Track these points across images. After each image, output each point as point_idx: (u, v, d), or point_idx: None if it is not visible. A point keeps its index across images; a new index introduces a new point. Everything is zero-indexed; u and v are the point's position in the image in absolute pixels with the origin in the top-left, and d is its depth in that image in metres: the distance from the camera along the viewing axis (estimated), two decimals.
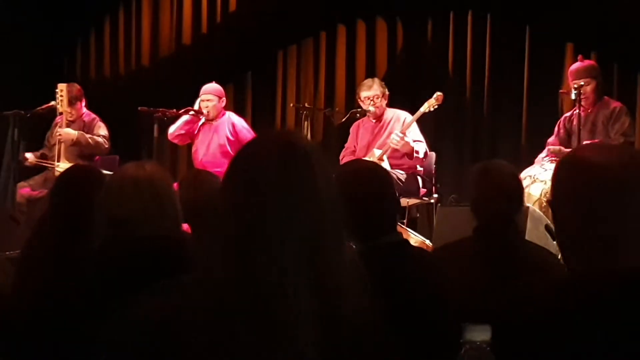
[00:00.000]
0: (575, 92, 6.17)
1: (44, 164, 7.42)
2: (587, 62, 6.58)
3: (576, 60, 6.70)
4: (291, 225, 1.60)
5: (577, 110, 6.21)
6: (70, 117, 7.44)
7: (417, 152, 6.84)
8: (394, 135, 6.81)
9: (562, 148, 6.46)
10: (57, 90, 7.21)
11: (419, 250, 2.96)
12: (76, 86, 7.59)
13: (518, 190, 3.29)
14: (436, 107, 6.93)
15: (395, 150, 6.91)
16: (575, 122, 6.40)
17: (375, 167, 3.03)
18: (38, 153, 7.56)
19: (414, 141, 6.90)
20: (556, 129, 6.71)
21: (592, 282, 1.68)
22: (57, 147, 7.26)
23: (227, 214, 1.67)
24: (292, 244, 1.59)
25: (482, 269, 3.02)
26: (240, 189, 1.67)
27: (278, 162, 1.64)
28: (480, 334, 1.51)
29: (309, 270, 1.58)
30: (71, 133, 7.33)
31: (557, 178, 1.83)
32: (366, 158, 6.86)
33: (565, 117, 6.73)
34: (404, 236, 2.87)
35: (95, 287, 2.65)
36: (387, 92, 7.16)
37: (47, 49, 9.19)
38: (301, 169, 1.65)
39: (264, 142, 1.74)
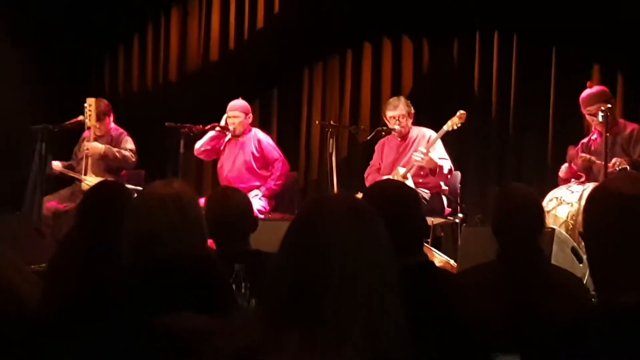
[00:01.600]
0: (603, 114, 6.14)
1: (70, 175, 7.45)
2: (597, 89, 6.55)
3: (598, 83, 6.70)
4: (355, 276, 1.70)
5: (604, 133, 6.16)
6: (98, 132, 7.46)
7: (441, 167, 6.86)
8: (417, 152, 6.83)
9: (593, 158, 6.41)
10: (85, 104, 7.26)
11: (444, 272, 2.96)
12: (104, 101, 7.62)
13: (539, 213, 3.29)
14: (459, 125, 6.94)
15: (419, 168, 6.92)
16: (594, 147, 6.41)
17: (404, 187, 3.01)
18: (65, 163, 7.60)
19: (439, 159, 6.93)
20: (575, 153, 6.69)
21: (623, 314, 1.67)
22: (84, 160, 7.29)
23: (294, 258, 1.76)
24: (353, 294, 1.69)
25: (507, 293, 3.01)
26: (308, 239, 1.77)
27: (348, 216, 1.77)
28: None
29: (366, 320, 1.67)
30: (98, 147, 7.36)
31: (588, 209, 1.82)
32: (390, 176, 6.88)
33: (583, 143, 6.70)
34: (429, 256, 2.87)
35: (122, 303, 2.66)
36: (412, 111, 7.17)
37: (75, 64, 9.25)
38: (367, 225, 1.78)
39: (333, 199, 1.87)
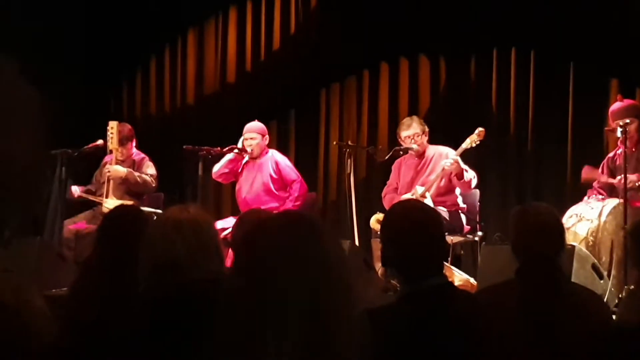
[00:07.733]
0: (621, 129, 6.10)
1: (90, 199, 7.46)
2: (627, 102, 6.51)
3: (615, 98, 6.66)
4: (294, 287, 1.65)
5: (623, 149, 6.12)
6: (121, 156, 7.45)
7: (466, 170, 6.83)
8: (447, 160, 6.79)
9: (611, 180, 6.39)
10: (108, 127, 7.28)
11: (463, 293, 2.94)
12: (127, 126, 7.61)
13: (559, 232, 3.26)
14: (478, 142, 6.91)
15: (438, 187, 6.91)
16: (619, 161, 6.32)
17: (426, 208, 2.96)
18: (84, 187, 7.61)
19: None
20: (600, 169, 6.64)
21: None
22: (105, 184, 7.31)
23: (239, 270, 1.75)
24: (292, 306, 1.64)
25: (526, 313, 3.00)
26: (251, 251, 1.75)
27: (285, 229, 1.74)
28: None
29: (307, 332, 1.62)
30: (120, 170, 7.37)
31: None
32: (408, 194, 6.86)
33: (609, 158, 6.64)
34: (448, 275, 2.86)
35: (140, 328, 2.67)
36: (426, 129, 7.16)
37: (93, 88, 9.29)
38: (306, 235, 1.73)
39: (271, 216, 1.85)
